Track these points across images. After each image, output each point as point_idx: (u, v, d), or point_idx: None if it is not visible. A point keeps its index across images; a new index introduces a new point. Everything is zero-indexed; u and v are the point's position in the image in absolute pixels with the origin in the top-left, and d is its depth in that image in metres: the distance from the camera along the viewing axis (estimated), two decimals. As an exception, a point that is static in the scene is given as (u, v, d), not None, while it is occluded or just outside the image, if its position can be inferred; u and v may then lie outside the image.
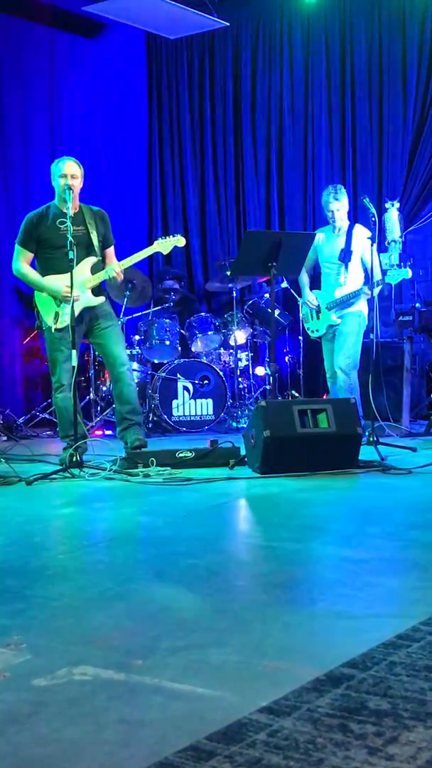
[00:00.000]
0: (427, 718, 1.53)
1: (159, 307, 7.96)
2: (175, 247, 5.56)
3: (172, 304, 7.99)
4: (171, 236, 5.54)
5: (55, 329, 5.31)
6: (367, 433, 5.29)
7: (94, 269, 5.34)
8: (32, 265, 5.41)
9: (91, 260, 5.35)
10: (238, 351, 7.63)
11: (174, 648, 1.97)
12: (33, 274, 5.36)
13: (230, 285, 7.70)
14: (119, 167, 9.24)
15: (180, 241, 5.50)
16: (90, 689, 1.73)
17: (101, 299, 5.39)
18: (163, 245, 5.49)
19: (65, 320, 5.26)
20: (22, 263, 5.38)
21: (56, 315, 5.31)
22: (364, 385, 5.79)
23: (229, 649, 1.95)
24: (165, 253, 5.56)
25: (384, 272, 6.04)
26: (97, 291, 5.38)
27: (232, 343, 7.60)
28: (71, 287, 5.00)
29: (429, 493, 4.23)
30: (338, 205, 6.20)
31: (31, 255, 5.39)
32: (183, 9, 7.86)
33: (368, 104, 8.31)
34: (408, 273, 5.96)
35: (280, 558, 2.93)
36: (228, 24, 8.52)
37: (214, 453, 5.17)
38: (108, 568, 2.90)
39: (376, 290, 5.98)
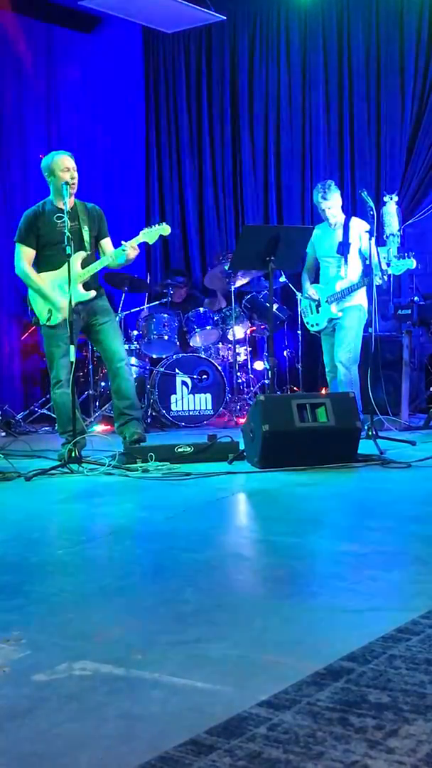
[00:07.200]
0: (427, 711, 1.53)
1: (157, 302, 7.95)
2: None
3: (170, 299, 7.98)
4: (156, 225, 5.48)
5: (49, 326, 5.30)
6: (366, 427, 5.29)
7: (85, 264, 5.32)
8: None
9: (81, 255, 5.31)
10: (237, 346, 7.62)
11: (173, 642, 1.97)
12: (36, 278, 5.32)
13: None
14: (116, 161, 9.23)
15: (165, 229, 5.42)
16: (90, 684, 1.73)
17: (92, 293, 5.36)
18: (149, 235, 5.41)
19: (58, 317, 5.25)
20: (25, 263, 5.32)
21: (49, 311, 5.30)
22: (363, 379, 5.79)
23: (228, 643, 1.95)
24: (151, 242, 5.49)
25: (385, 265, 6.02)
26: (88, 285, 5.35)
27: (230, 337, 7.59)
28: (69, 283, 4.99)
29: (428, 486, 4.23)
30: (329, 203, 6.20)
31: (33, 252, 5.33)
32: (179, 3, 7.84)
33: (366, 98, 8.30)
34: (413, 263, 5.96)
35: (280, 552, 2.93)
36: (225, 18, 8.50)
37: (213, 448, 5.18)
38: (107, 563, 2.90)
39: (376, 282, 5.96)
